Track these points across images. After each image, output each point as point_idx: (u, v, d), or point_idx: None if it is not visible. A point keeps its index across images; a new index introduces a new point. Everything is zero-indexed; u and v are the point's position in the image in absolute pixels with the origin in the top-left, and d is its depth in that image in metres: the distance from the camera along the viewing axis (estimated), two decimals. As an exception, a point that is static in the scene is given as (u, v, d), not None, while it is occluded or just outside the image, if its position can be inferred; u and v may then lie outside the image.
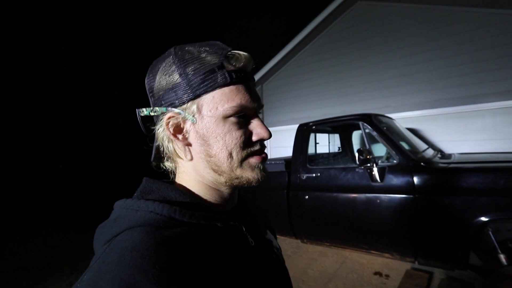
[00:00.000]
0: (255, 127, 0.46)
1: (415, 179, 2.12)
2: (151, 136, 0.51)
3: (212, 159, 0.45)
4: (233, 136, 0.44)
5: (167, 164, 0.51)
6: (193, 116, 0.44)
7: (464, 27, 3.82)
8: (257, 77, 6.00)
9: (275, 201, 2.90)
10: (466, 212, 1.87)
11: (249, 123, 0.46)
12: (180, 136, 0.46)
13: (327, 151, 4.02)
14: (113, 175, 11.52)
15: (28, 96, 10.66)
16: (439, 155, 2.84)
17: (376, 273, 2.60)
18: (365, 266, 2.75)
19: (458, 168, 2.08)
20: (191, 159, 0.47)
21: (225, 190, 0.49)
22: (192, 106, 0.43)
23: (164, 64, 0.45)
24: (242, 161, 0.45)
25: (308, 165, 2.78)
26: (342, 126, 3.60)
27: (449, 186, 1.98)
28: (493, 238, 1.80)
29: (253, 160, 0.46)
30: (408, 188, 2.13)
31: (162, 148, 0.49)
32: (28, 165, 10.68)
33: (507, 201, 1.75)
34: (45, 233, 5.12)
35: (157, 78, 0.45)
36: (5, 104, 10.09)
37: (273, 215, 2.90)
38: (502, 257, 1.75)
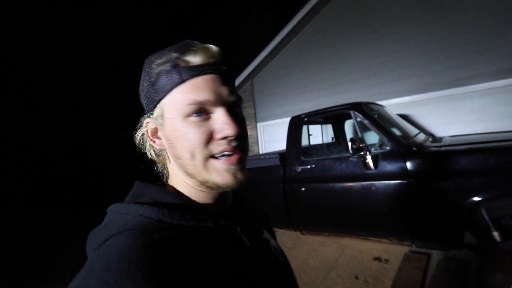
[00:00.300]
0: (220, 123, 0.42)
1: (408, 164, 2.15)
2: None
3: (180, 161, 0.44)
4: (194, 135, 0.41)
5: (159, 167, 0.52)
6: (160, 119, 0.44)
7: (448, 11, 3.84)
8: (246, 72, 5.96)
9: (272, 195, 2.91)
10: (459, 193, 1.91)
11: (213, 119, 0.43)
12: (156, 140, 0.47)
13: (321, 142, 4.04)
14: (113, 176, 11.47)
15: (28, 96, 10.57)
16: (430, 139, 2.88)
17: (375, 259, 2.65)
18: (364, 253, 2.80)
19: (449, 151, 2.11)
20: (170, 162, 0.48)
21: (212, 191, 0.47)
22: (158, 110, 0.44)
23: (142, 74, 0.46)
24: (204, 161, 0.43)
25: (302, 157, 2.79)
26: (334, 116, 3.61)
27: (441, 169, 2.01)
28: (486, 216, 1.83)
29: (218, 164, 0.43)
30: (402, 173, 2.16)
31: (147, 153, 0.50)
32: (28, 165, 10.61)
33: (498, 180, 1.79)
34: (45, 233, 5.12)
35: (140, 88, 0.47)
36: (5, 104, 9.99)
37: (271, 209, 2.91)
38: (495, 234, 1.79)
